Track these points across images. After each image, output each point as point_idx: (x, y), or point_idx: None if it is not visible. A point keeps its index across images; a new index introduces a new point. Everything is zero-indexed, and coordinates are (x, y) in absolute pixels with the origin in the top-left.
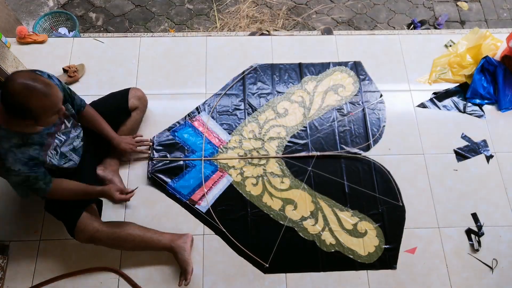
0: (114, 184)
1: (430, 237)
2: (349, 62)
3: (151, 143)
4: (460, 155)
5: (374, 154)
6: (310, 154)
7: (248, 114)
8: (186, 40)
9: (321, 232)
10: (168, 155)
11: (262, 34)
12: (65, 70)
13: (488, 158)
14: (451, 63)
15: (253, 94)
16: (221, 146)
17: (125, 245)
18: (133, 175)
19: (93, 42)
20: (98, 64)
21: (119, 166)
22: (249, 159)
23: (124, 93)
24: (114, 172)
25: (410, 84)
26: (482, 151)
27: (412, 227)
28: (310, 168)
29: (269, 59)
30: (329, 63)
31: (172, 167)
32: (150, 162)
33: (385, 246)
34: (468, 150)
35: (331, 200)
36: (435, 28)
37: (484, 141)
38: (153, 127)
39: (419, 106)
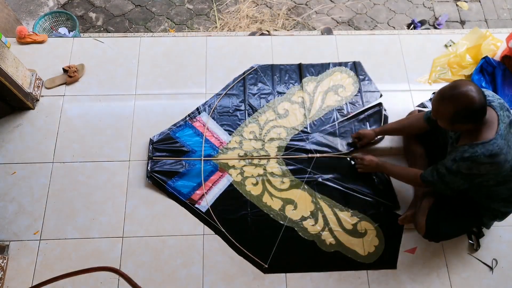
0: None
1: None
2: (348, 62)
3: None
4: None
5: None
6: (310, 155)
7: (249, 115)
8: (186, 40)
9: (321, 232)
10: (168, 155)
11: (262, 34)
12: (65, 70)
13: None
14: (451, 63)
15: (254, 95)
16: (221, 147)
17: None
18: (133, 175)
19: (93, 42)
20: (98, 64)
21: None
22: (250, 159)
23: None
24: None
25: (410, 84)
26: None
27: (412, 227)
28: (310, 169)
29: (269, 59)
30: (329, 63)
31: (171, 166)
32: (149, 162)
33: (385, 246)
34: None
35: (331, 200)
36: (435, 28)
37: None
38: (153, 127)
39: (419, 106)
